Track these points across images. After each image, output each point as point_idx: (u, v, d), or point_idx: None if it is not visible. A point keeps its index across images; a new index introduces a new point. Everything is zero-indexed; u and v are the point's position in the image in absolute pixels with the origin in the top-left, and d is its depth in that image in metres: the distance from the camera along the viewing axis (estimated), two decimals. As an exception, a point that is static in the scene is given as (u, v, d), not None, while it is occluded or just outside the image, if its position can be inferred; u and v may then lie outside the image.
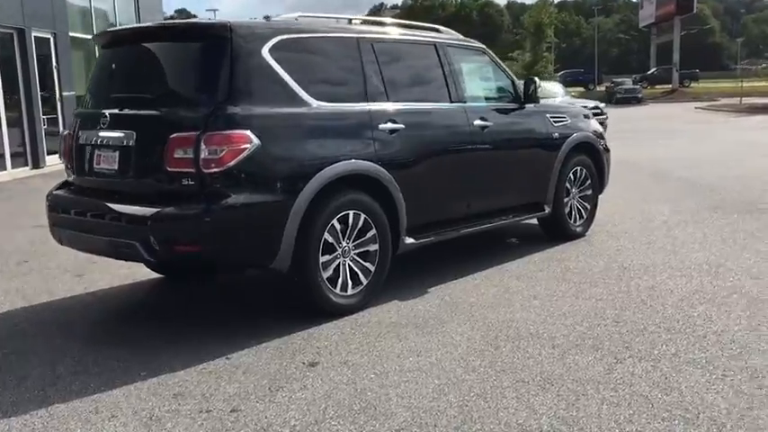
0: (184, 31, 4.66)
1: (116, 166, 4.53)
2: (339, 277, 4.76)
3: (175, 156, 4.21)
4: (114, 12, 19.34)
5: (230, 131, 4.21)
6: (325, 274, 4.68)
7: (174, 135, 4.21)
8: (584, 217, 7.04)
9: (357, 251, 4.89)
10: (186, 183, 4.23)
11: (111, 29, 4.98)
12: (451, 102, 5.63)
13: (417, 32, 5.80)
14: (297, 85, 4.60)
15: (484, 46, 6.27)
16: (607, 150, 7.30)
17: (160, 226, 4.17)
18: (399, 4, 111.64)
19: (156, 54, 4.65)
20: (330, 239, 4.68)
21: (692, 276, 5.50)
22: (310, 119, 4.63)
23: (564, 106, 7.90)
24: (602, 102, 21.67)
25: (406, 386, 3.66)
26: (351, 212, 4.78)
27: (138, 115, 4.50)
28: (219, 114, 4.25)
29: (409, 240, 5.23)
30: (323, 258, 4.65)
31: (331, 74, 4.96)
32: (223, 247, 4.28)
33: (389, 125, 5.04)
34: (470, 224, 5.82)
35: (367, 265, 4.95)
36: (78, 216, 4.59)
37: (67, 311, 5.16)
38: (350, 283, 4.83)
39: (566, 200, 6.76)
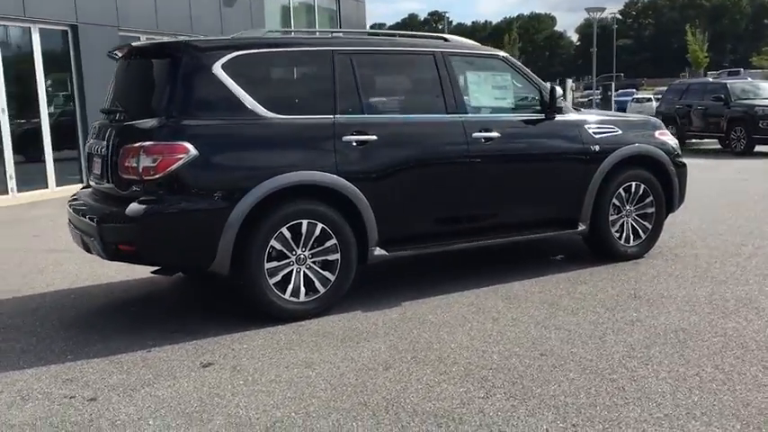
0: (152, 50, 5.08)
1: (99, 172, 5.09)
2: (290, 283, 4.92)
3: (126, 164, 4.65)
4: (314, 10, 20.66)
5: (167, 142, 4.56)
6: (273, 280, 4.85)
7: (126, 146, 4.66)
8: (642, 237, 6.42)
9: (315, 259, 5.00)
10: (135, 189, 4.65)
11: (118, 46, 5.51)
12: (447, 113, 5.48)
13: (417, 42, 5.71)
14: (250, 98, 4.82)
15: (504, 54, 5.96)
16: (680, 165, 6.58)
17: (105, 226, 4.65)
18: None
19: (134, 70, 5.13)
20: (279, 246, 4.84)
21: (696, 313, 4.85)
22: (259, 131, 4.83)
23: (617, 116, 7.18)
24: None
25: (256, 397, 3.75)
26: (304, 221, 4.90)
27: (111, 126, 5.02)
28: (162, 126, 4.62)
29: (380, 252, 5.21)
30: (269, 264, 4.82)
31: (294, 87, 5.13)
32: (155, 249, 4.65)
33: (356, 137, 5.06)
34: (468, 239, 5.63)
35: (326, 273, 5.04)
36: (74, 214, 5.22)
37: (80, 297, 5.86)
38: (303, 290, 4.96)
39: (613, 217, 6.23)
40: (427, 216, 5.44)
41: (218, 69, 4.78)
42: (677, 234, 7.35)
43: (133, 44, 5.21)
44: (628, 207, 6.32)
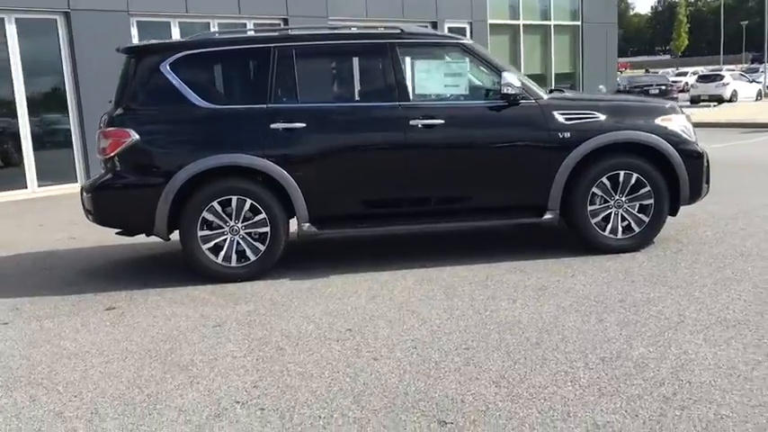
0: (127, 51, 6.05)
1: (100, 151, 6.38)
2: (223, 250, 5.74)
3: (98, 146, 5.87)
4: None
5: (115, 128, 5.66)
6: (206, 246, 5.71)
7: (98, 131, 5.87)
8: (636, 230, 5.99)
9: (248, 231, 5.74)
10: (103, 166, 5.86)
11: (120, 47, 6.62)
12: (386, 101, 5.77)
13: (362, 34, 6.00)
14: (190, 92, 5.69)
15: (466, 42, 5.94)
16: (692, 155, 5.97)
17: (83, 196, 5.93)
18: None
19: (123, 68, 6.22)
20: (211, 218, 5.68)
21: (565, 310, 4.66)
22: (194, 119, 5.68)
23: (606, 100, 6.52)
24: None
25: (96, 335, 4.69)
26: (234, 198, 5.67)
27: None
28: (115, 115, 5.72)
29: (310, 228, 5.76)
30: (202, 232, 5.69)
31: (233, 80, 5.86)
32: (104, 216, 5.80)
33: (284, 125, 5.66)
34: (412, 221, 5.90)
35: (257, 244, 5.76)
36: None
37: (120, 251, 7.25)
38: (234, 256, 5.75)
39: (593, 208, 5.93)
40: (359, 198, 5.81)
41: (165, 67, 5.73)
42: (720, 224, 6.62)
43: (122, 47, 6.32)
44: (617, 197, 5.95)
